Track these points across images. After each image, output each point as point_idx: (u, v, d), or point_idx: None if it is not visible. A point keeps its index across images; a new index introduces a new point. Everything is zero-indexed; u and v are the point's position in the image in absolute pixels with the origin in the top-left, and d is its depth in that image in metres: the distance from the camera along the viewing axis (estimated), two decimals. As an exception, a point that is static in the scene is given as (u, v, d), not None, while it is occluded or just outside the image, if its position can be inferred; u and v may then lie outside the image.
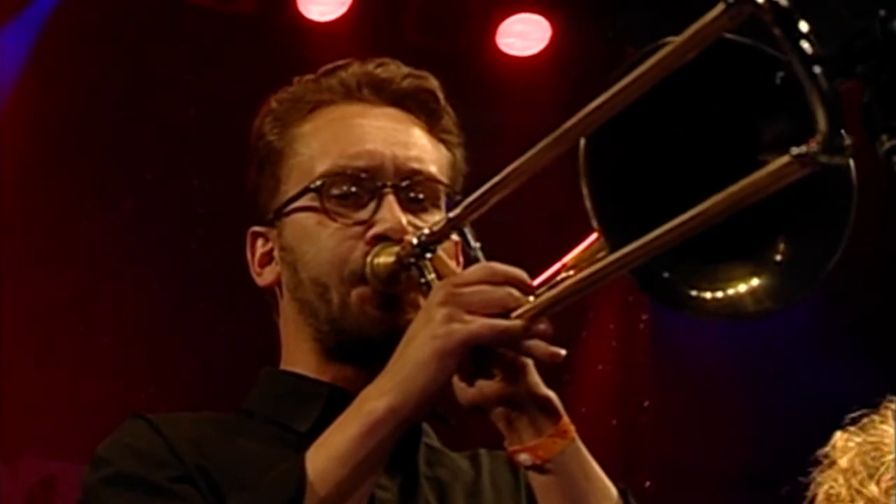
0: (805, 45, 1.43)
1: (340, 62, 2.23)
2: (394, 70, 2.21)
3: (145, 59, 5.95)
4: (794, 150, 1.46)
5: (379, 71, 2.21)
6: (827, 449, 2.79)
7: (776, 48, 1.49)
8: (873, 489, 2.71)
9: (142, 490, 2.01)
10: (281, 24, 6.12)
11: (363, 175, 2.14)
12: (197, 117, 5.99)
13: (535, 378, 1.98)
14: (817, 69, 1.42)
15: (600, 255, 1.80)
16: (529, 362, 1.97)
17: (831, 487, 2.77)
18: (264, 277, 2.23)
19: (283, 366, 2.23)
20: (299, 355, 2.19)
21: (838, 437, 2.82)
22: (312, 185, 2.14)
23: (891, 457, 2.72)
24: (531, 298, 1.90)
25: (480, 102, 5.26)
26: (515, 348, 1.94)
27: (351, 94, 2.20)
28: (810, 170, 1.47)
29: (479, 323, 1.89)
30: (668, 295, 1.74)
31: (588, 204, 1.74)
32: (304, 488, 1.89)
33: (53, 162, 5.88)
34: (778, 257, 1.74)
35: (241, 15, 6.12)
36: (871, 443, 2.77)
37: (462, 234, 2.01)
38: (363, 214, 2.13)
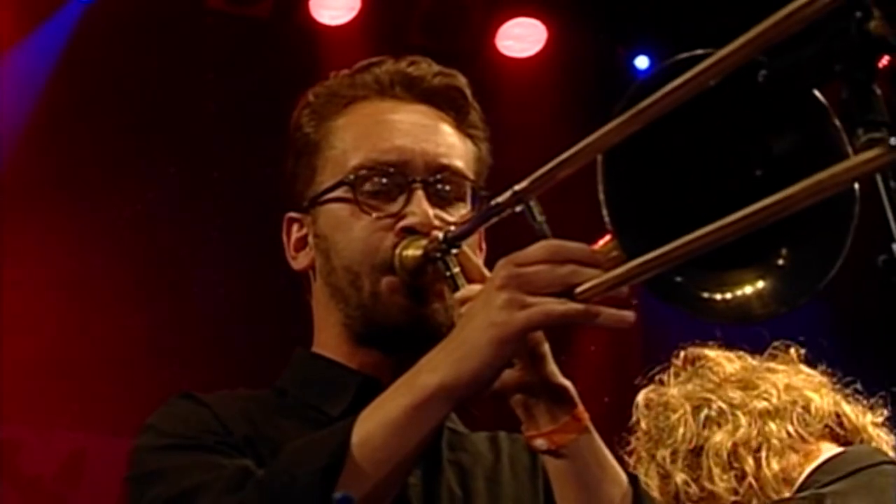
0: None
1: (374, 59, 2.22)
2: (425, 68, 2.21)
3: (168, 60, 5.96)
4: (893, 140, 1.40)
5: (411, 69, 2.20)
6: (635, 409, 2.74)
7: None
8: (661, 453, 2.68)
9: (191, 450, 1.98)
10: (294, 27, 6.13)
11: (394, 169, 2.12)
12: (216, 114, 6.00)
13: (553, 367, 1.93)
14: None
15: (611, 256, 1.75)
16: (548, 353, 1.92)
17: (635, 450, 2.74)
18: (299, 261, 2.21)
19: (315, 348, 2.20)
20: (329, 338, 2.17)
21: (641, 395, 2.78)
22: (347, 179, 2.13)
23: (675, 416, 2.69)
24: (596, 273, 1.76)
25: (480, 101, 5.26)
26: (579, 322, 1.82)
27: (384, 90, 2.18)
28: None
29: (536, 309, 1.78)
30: (679, 298, 1.69)
31: (604, 211, 1.69)
32: (347, 449, 1.83)
33: (82, 155, 5.89)
34: (781, 262, 1.71)
35: (256, 18, 6.12)
36: (662, 404, 2.73)
37: (528, 208, 1.89)
38: (393, 207, 2.11)
